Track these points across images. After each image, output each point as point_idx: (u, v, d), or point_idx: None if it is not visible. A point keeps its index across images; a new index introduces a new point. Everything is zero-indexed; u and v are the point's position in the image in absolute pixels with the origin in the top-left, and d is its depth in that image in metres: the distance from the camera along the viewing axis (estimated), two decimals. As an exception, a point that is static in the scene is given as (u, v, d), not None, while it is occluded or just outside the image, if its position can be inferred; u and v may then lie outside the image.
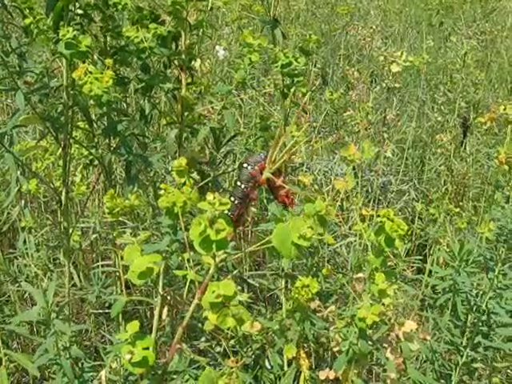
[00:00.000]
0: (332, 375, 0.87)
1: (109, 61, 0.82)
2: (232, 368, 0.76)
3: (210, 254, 0.51)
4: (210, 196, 0.49)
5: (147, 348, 0.60)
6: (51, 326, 0.89)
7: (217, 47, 2.04)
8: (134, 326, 0.58)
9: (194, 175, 1.00)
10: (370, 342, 0.82)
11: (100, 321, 1.49)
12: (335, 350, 0.86)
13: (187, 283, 0.64)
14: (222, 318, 0.51)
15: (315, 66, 2.35)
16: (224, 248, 0.50)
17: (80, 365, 1.04)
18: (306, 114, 1.43)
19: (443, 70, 2.59)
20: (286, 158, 0.59)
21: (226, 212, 0.70)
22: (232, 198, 0.69)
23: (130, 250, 0.57)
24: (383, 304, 0.75)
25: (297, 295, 0.89)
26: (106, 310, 1.39)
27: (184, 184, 0.72)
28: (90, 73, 0.78)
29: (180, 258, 0.77)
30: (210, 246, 0.49)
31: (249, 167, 0.68)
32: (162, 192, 0.69)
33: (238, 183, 0.68)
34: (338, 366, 0.82)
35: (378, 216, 0.74)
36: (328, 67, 2.67)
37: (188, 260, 0.62)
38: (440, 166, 2.06)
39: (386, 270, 0.76)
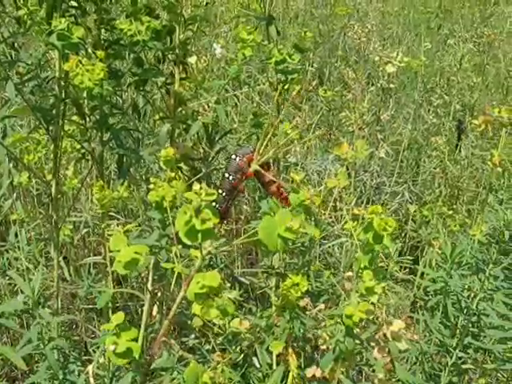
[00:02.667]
0: (319, 373, 0.87)
1: (100, 53, 0.81)
2: (218, 363, 0.76)
3: (196, 245, 0.51)
4: (196, 186, 0.48)
5: (133, 340, 0.59)
6: (36, 315, 0.89)
7: (214, 45, 2.04)
8: (118, 316, 0.58)
9: (185, 168, 0.99)
10: (357, 341, 0.82)
11: (90, 316, 1.48)
12: (323, 348, 0.85)
13: (174, 277, 0.63)
14: (205, 309, 0.50)
15: (312, 66, 2.35)
16: (209, 238, 0.50)
17: (67, 357, 1.04)
18: (300, 111, 1.42)
19: (440, 73, 2.60)
20: (275, 152, 0.59)
21: (215, 205, 0.69)
22: (220, 191, 0.69)
23: (115, 239, 0.56)
24: (372, 303, 0.75)
25: (285, 293, 0.88)
26: (97, 306, 1.39)
27: (174, 178, 0.71)
28: (82, 64, 0.77)
29: (170, 254, 0.76)
30: (195, 235, 0.49)
31: (237, 159, 0.68)
32: (151, 186, 0.69)
33: (226, 174, 0.69)
34: (324, 364, 0.82)
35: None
36: (325, 68, 2.67)
37: (176, 255, 0.61)
38: (435, 168, 2.06)
39: (375, 268, 0.75)
